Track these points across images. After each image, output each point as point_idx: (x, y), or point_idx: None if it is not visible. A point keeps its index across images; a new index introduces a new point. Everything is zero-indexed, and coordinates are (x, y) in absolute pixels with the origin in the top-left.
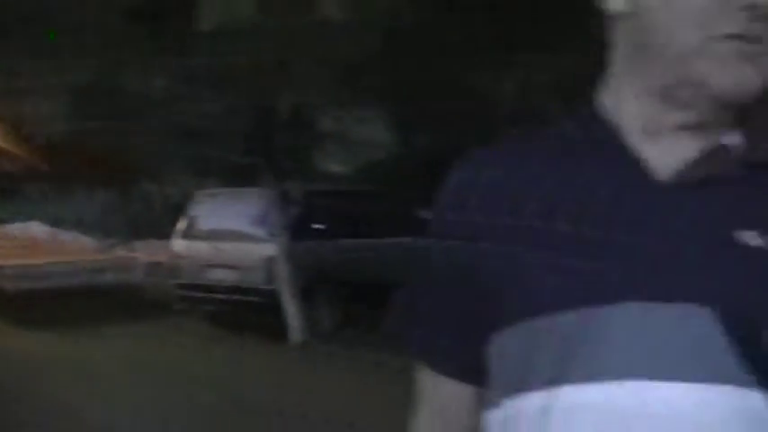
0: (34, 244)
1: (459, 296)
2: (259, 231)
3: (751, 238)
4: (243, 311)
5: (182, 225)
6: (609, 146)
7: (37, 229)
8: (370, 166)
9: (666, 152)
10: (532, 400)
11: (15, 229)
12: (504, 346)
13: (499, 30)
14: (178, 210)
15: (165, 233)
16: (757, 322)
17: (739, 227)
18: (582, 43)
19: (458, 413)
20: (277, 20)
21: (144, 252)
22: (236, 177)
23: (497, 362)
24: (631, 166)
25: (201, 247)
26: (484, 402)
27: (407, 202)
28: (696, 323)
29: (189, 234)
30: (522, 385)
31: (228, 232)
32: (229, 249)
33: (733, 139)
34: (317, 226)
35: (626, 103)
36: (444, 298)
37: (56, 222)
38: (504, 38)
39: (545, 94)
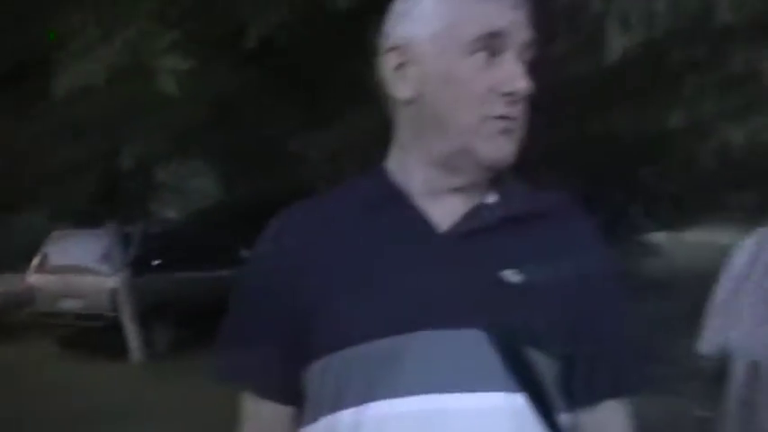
0: None
1: (278, 329)
2: (104, 266)
3: (512, 275)
4: (90, 335)
5: (36, 261)
6: (399, 204)
7: None
8: (200, 211)
9: (444, 209)
10: (346, 416)
11: None
12: (321, 372)
13: (309, 100)
14: (34, 247)
15: (22, 268)
16: (519, 342)
17: (503, 267)
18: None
19: (279, 430)
20: (122, 89)
21: (2, 284)
22: (86, 220)
23: (315, 385)
24: (418, 220)
25: (53, 280)
26: (301, 420)
27: (230, 242)
28: (475, 345)
29: (42, 269)
30: (337, 403)
31: (77, 267)
32: (78, 282)
33: (492, 198)
34: (154, 262)
35: (411, 169)
36: (266, 331)
37: None
38: (313, 107)
39: (350, 157)
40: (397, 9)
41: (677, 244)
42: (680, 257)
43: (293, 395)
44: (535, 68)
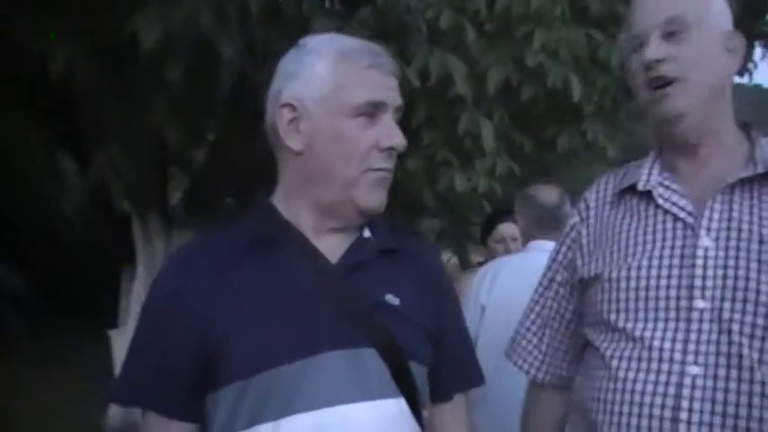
0: None
1: (185, 357)
2: None
3: (392, 299)
4: None
5: None
6: (293, 239)
7: None
8: None
9: (329, 245)
10: (262, 430)
11: None
12: (237, 394)
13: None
14: None
15: None
16: (402, 355)
17: (384, 292)
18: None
19: None
20: None
21: None
22: None
23: (229, 405)
24: (312, 254)
25: None
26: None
27: None
28: (369, 361)
29: None
30: (255, 419)
31: None
32: None
33: (366, 233)
34: None
35: (298, 211)
36: (172, 359)
37: None
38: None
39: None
40: (287, 68)
41: None
42: None
43: (197, 414)
44: None
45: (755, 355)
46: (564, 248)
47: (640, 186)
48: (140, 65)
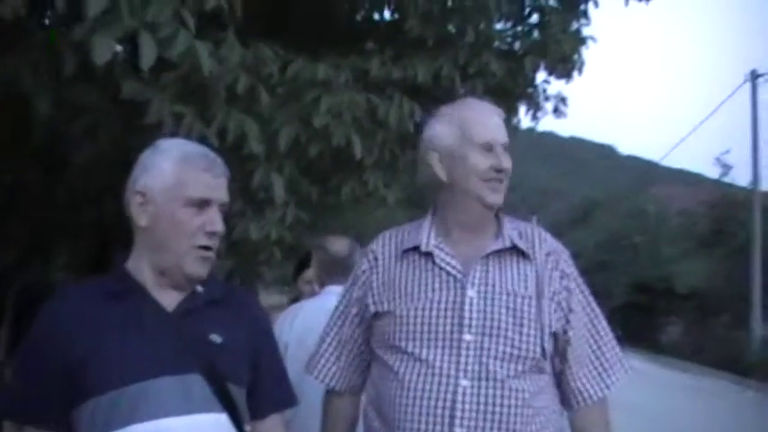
0: None
1: (54, 379)
2: None
3: (216, 338)
4: None
5: None
6: (138, 293)
7: None
8: None
9: (168, 297)
10: None
11: None
12: (92, 407)
13: None
14: None
15: None
16: (223, 379)
17: (210, 332)
18: None
19: None
20: None
21: None
22: None
23: (87, 417)
24: (152, 304)
25: None
26: None
27: None
28: (195, 383)
29: None
30: (106, 428)
31: None
32: None
33: (200, 288)
34: None
35: (143, 271)
36: (44, 380)
37: None
38: None
39: None
40: (143, 163)
41: None
42: None
43: (65, 427)
44: None
45: (505, 372)
46: (356, 289)
47: (423, 248)
48: None
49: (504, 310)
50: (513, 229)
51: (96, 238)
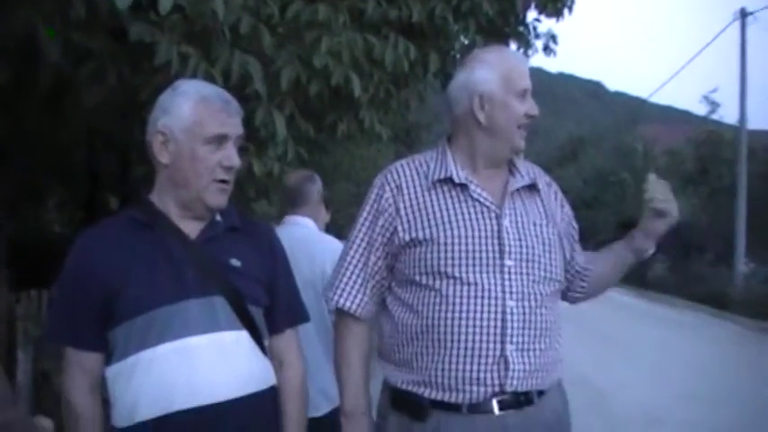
0: None
1: (92, 303)
2: None
3: (235, 262)
4: None
5: None
6: (163, 223)
7: None
8: None
9: (190, 227)
10: (146, 353)
11: None
12: (128, 328)
13: None
14: None
15: None
16: (243, 300)
17: (229, 257)
18: None
19: (91, 369)
20: None
21: None
22: None
23: (122, 337)
24: (177, 233)
25: None
26: (106, 361)
27: None
28: (218, 305)
29: None
30: (141, 347)
31: None
32: None
33: (218, 217)
34: None
35: (167, 204)
36: (83, 305)
37: None
38: None
39: None
40: (162, 104)
41: None
42: None
43: (103, 346)
44: None
45: (542, 293)
46: (381, 218)
47: (456, 180)
48: None
49: (535, 239)
50: (521, 166)
51: (87, 181)
